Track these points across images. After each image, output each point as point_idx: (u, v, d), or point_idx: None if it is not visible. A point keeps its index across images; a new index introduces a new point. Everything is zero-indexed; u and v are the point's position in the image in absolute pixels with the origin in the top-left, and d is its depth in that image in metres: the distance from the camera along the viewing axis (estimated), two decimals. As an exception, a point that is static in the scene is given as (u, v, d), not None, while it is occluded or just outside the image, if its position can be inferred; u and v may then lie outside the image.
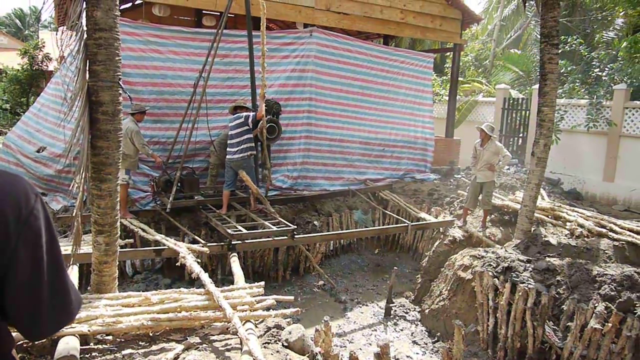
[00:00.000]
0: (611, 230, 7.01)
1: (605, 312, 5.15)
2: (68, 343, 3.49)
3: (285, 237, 7.29)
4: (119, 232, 4.54)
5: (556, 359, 5.49)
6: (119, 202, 4.41)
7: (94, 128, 4.15)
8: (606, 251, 6.58)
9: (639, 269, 5.81)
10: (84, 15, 4.02)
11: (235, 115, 7.83)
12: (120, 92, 4.25)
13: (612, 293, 5.31)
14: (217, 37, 8.07)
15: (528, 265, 6.17)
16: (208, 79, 8.10)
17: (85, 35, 4.07)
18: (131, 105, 7.48)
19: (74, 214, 4.30)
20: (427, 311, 7.11)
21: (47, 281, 1.17)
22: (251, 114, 7.77)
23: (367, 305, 7.73)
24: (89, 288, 4.81)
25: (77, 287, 1.75)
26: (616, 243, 6.68)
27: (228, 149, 7.86)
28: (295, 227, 7.53)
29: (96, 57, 4.09)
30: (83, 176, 4.08)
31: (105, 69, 4.11)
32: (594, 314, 5.20)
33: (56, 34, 4.08)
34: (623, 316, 5.02)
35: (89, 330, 3.72)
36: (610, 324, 5.04)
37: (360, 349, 6.34)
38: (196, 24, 11.46)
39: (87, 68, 4.12)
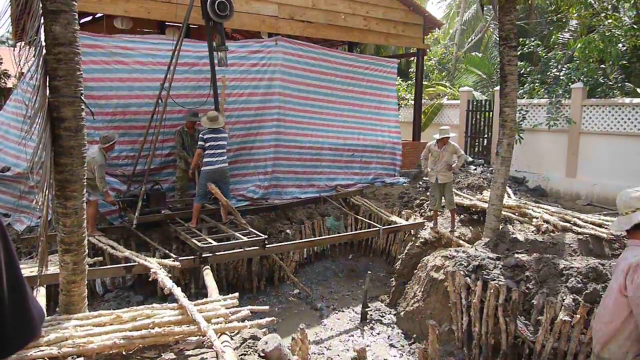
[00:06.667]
0: (575, 224, 7.21)
1: (573, 304, 5.30)
2: (37, 367, 3.38)
3: (257, 247, 7.25)
4: (87, 251, 4.43)
5: (529, 352, 5.61)
6: (85, 219, 4.31)
7: (57, 145, 4.04)
8: (571, 245, 6.77)
9: (602, 261, 6.00)
10: (42, 30, 3.92)
11: (219, 129, 7.88)
12: (83, 107, 4.17)
13: (579, 285, 5.48)
14: (177, 46, 8.00)
15: (498, 262, 6.30)
16: (170, 88, 8.06)
17: (44, 51, 3.97)
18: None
19: (38, 234, 4.17)
20: (402, 313, 7.17)
21: (8, 299, 1.16)
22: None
23: (343, 311, 7.75)
24: (57, 309, 4.67)
25: (42, 307, 1.72)
26: (580, 236, 6.87)
27: (210, 159, 7.71)
28: (266, 236, 7.50)
29: (56, 73, 3.99)
30: (46, 195, 3.97)
31: (66, 84, 4.02)
32: (562, 307, 5.35)
33: (14, 50, 3.96)
34: (590, 307, 5.17)
35: (59, 352, 3.61)
36: (578, 316, 5.19)
37: (338, 355, 6.35)
38: (159, 36, 11.33)
39: (47, 84, 4.02)
